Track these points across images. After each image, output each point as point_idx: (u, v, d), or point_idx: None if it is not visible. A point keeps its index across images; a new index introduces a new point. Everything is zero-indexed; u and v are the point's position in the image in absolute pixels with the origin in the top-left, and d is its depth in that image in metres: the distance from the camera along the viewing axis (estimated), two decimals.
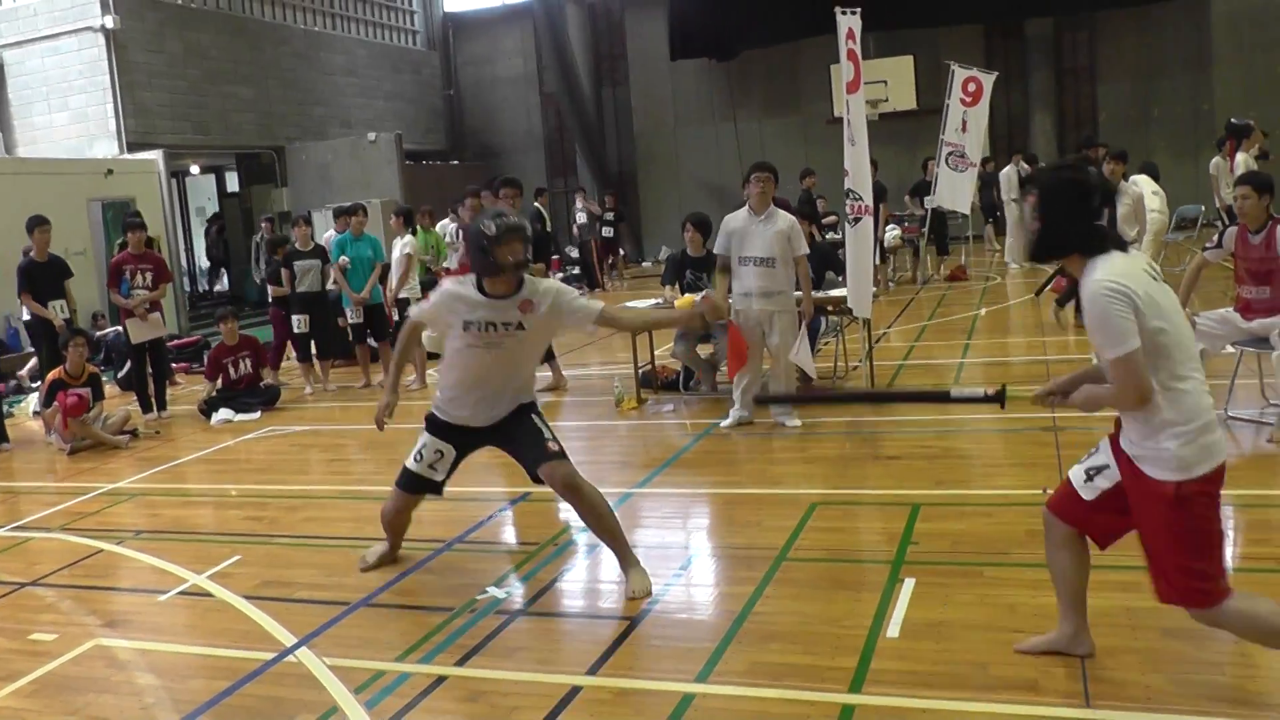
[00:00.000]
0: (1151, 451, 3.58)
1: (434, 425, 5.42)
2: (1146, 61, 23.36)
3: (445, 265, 12.58)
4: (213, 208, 26.24)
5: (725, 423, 8.49)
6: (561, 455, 5.24)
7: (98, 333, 15.00)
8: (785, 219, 8.27)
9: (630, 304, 10.07)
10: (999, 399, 4.23)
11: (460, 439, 5.39)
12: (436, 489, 5.48)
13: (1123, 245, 3.65)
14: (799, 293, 8.40)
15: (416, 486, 5.47)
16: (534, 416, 5.34)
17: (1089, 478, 3.90)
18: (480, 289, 5.11)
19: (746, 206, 8.30)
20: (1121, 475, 3.76)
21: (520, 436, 5.32)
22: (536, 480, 5.31)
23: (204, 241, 25.06)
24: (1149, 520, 3.68)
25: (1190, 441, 3.51)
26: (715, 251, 8.54)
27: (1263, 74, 22.11)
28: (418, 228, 12.93)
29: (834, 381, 9.86)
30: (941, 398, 5.59)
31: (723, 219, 8.40)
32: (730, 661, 4.31)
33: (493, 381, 5.24)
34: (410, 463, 5.43)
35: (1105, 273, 3.53)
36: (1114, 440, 3.84)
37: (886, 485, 6.59)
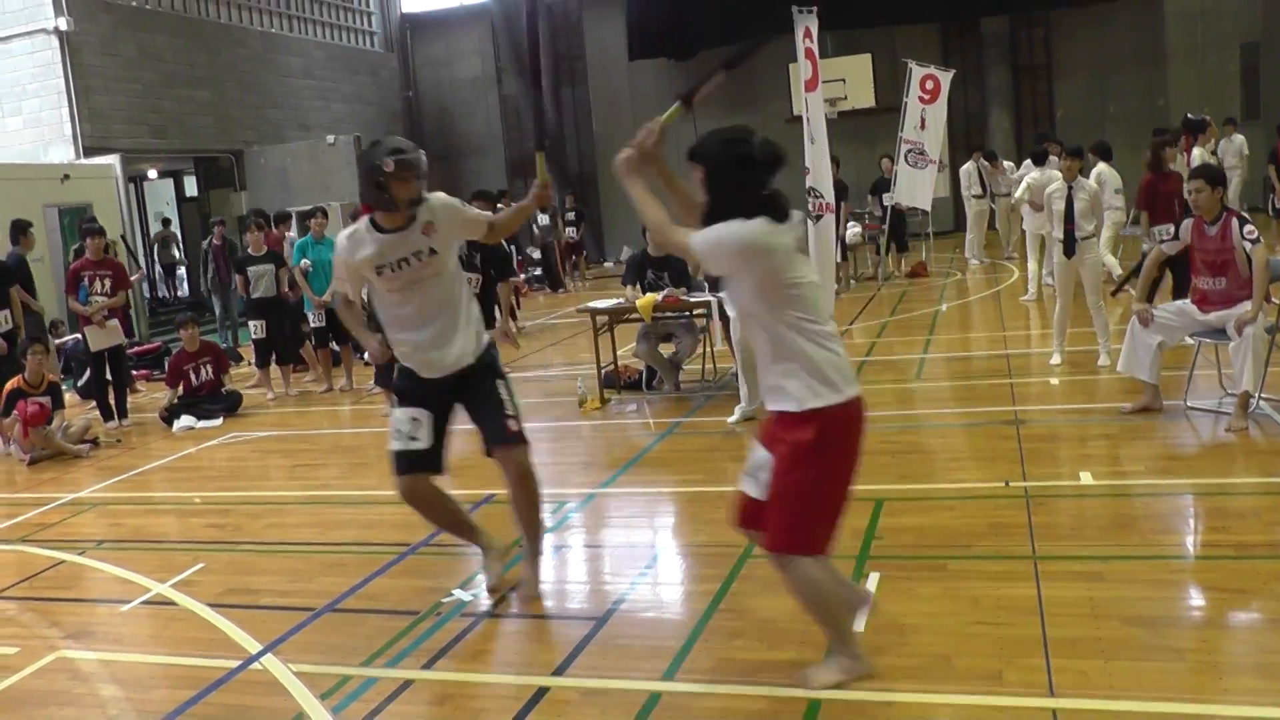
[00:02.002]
0: (775, 386, 3.79)
1: (400, 395, 5.12)
2: (1102, 58, 23.60)
3: None
4: (171, 212, 25.99)
5: (732, 419, 8.45)
6: (521, 439, 5.03)
7: (56, 340, 14.82)
8: None
9: (592, 304, 10.07)
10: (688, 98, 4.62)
11: (428, 397, 5.02)
12: (430, 461, 5.04)
13: (784, 215, 3.77)
14: None
15: (408, 466, 5.03)
16: (500, 383, 5.08)
17: (756, 479, 3.92)
18: (376, 227, 4.88)
19: None
20: (763, 441, 3.90)
21: (483, 404, 5.04)
22: (489, 449, 5.09)
23: (152, 247, 24.68)
24: (778, 461, 3.80)
25: (807, 382, 3.71)
26: None
27: (1216, 70, 22.42)
28: None
29: None
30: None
31: None
32: (697, 659, 4.32)
33: (433, 321, 4.93)
34: (392, 445, 5.06)
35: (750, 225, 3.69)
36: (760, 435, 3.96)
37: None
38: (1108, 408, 7.68)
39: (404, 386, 5.10)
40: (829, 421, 3.72)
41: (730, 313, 8.22)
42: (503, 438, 4.99)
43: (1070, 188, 9.16)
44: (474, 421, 5.12)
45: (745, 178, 3.79)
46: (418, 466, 5.04)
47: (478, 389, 5.04)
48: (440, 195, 4.99)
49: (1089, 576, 4.76)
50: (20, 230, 10.96)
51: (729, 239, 3.70)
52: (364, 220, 4.97)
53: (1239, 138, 17.88)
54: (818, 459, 3.72)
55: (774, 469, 3.81)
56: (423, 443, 5.00)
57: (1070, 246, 9.12)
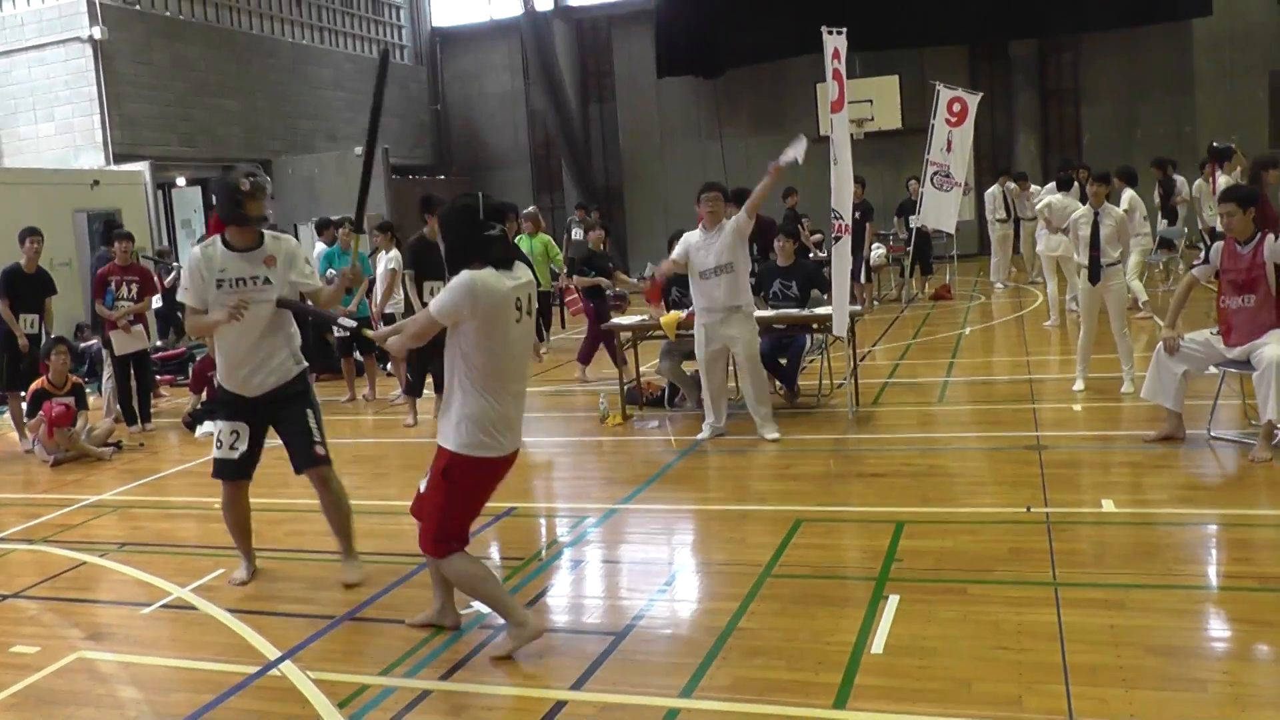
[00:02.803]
0: (443, 424, 4.61)
1: (223, 408, 5.74)
2: (1130, 84, 23.57)
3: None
4: (199, 220, 26.16)
5: (701, 435, 8.60)
6: (327, 459, 5.78)
7: (82, 344, 14.94)
8: (729, 223, 8.41)
9: (616, 320, 10.09)
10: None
11: (246, 414, 5.67)
12: (245, 470, 5.74)
13: (508, 264, 4.54)
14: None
15: (230, 473, 5.73)
16: (309, 412, 5.74)
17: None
18: (227, 245, 5.51)
19: (700, 225, 8.52)
20: None
21: (294, 430, 5.73)
22: (298, 471, 5.83)
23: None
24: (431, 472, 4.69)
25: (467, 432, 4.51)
26: (673, 256, 8.69)
27: (1244, 97, 22.32)
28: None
29: (817, 400, 9.89)
30: None
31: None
32: (715, 677, 4.32)
33: (253, 344, 5.54)
34: (214, 451, 5.74)
35: (483, 277, 4.42)
36: None
37: (870, 502, 6.61)
38: (1131, 435, 7.65)
39: (226, 400, 5.73)
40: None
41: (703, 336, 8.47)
42: (312, 462, 5.74)
43: (1096, 214, 9.13)
44: (284, 443, 5.82)
45: (472, 230, 4.52)
46: (238, 474, 5.75)
47: (289, 416, 5.73)
48: (292, 240, 5.79)
49: (1110, 604, 4.73)
50: (20, 238, 10.50)
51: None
52: (217, 237, 5.61)
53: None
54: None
55: None
56: (240, 453, 5.68)
57: (1095, 273, 9.08)
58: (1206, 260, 7.43)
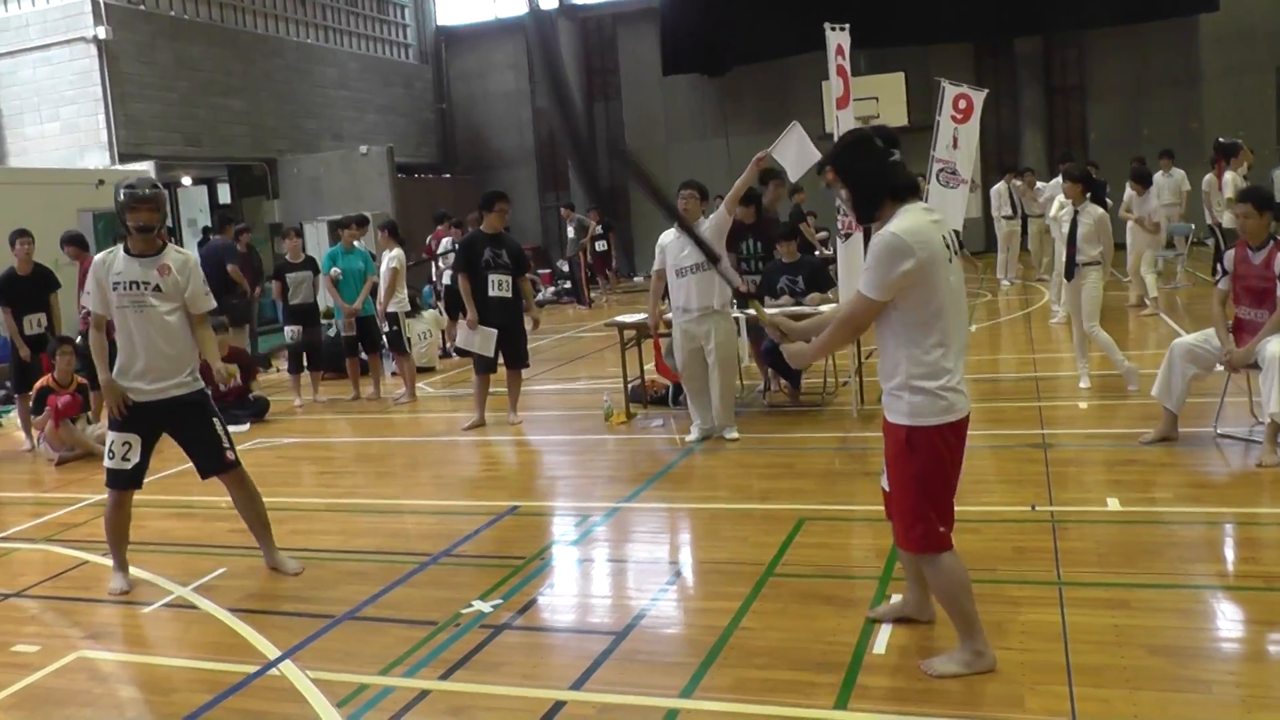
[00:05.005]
0: (893, 399, 4.06)
1: (113, 420, 5.88)
2: (1136, 80, 23.51)
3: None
4: (204, 219, 26.19)
5: (690, 437, 8.59)
6: (238, 463, 5.99)
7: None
8: (709, 220, 8.44)
9: (620, 318, 10.07)
10: (744, 298, 4.82)
11: (140, 423, 5.83)
12: (136, 479, 5.91)
13: (917, 192, 4.02)
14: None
15: (116, 481, 5.87)
16: (215, 422, 5.92)
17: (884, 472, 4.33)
18: (127, 250, 5.78)
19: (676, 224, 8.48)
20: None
21: (198, 440, 5.93)
22: (204, 476, 6.02)
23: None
24: (888, 460, 4.19)
25: (925, 394, 3.96)
26: (654, 269, 8.69)
27: (1251, 93, 22.25)
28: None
29: (822, 398, 9.86)
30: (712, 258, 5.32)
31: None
32: (716, 677, 4.29)
33: (151, 345, 5.72)
34: (106, 462, 5.89)
35: (900, 226, 3.88)
36: None
37: (875, 501, 6.50)
38: (1136, 433, 7.60)
39: (122, 413, 5.83)
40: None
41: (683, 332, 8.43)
42: (224, 468, 5.94)
43: (1076, 212, 9.12)
44: (188, 453, 6.01)
45: (875, 160, 4.03)
46: (129, 483, 5.91)
47: (189, 426, 5.90)
48: (194, 259, 5.99)
49: (1114, 604, 4.70)
50: (10, 242, 10.40)
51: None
52: (120, 245, 5.86)
53: None
54: None
55: None
56: (133, 463, 5.84)
57: (1070, 270, 9.09)
58: (1225, 271, 7.27)
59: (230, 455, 5.95)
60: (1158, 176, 15.17)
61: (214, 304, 6.04)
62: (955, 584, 4.12)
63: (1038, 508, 6.17)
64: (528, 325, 9.96)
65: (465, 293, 9.60)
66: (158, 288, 5.73)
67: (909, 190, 3.99)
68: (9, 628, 5.60)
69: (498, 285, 9.58)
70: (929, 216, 3.98)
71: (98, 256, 5.88)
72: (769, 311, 4.59)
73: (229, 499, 6.11)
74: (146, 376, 5.74)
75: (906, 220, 3.89)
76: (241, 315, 13.83)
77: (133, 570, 6.19)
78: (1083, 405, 8.79)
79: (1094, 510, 6.14)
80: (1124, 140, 22.64)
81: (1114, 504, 6.15)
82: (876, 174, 3.98)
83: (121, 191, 5.76)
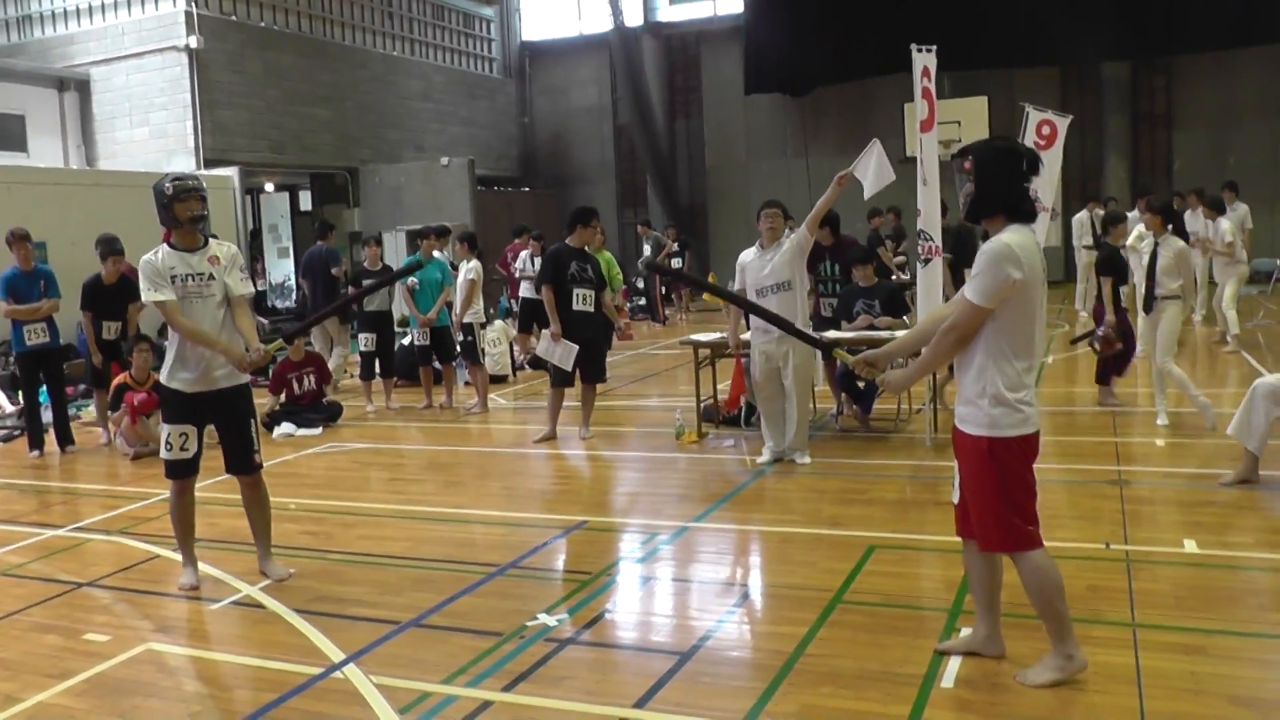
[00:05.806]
0: (971, 409, 4.18)
1: (167, 414, 6.02)
2: (1224, 109, 23.00)
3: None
4: (285, 225, 26.59)
5: (761, 459, 8.54)
6: (260, 466, 6.16)
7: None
8: (790, 240, 8.41)
9: (694, 336, 10.04)
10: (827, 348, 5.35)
11: (192, 413, 5.97)
12: (195, 468, 6.07)
13: (1033, 217, 4.20)
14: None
15: (177, 472, 6.02)
16: (252, 423, 6.13)
17: (955, 487, 4.42)
18: (172, 247, 5.89)
19: (758, 243, 8.51)
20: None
21: (236, 437, 6.07)
22: (229, 471, 6.19)
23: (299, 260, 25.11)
24: (965, 472, 4.29)
25: (1005, 406, 4.11)
26: (734, 289, 8.67)
27: None
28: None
29: (895, 424, 9.75)
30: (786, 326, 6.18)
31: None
32: (781, 702, 4.24)
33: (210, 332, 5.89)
34: (164, 454, 6.03)
35: (1011, 239, 4.05)
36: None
37: (946, 531, 6.43)
38: (1214, 473, 7.40)
39: (172, 400, 5.99)
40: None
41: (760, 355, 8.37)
42: (248, 469, 6.12)
43: (1156, 244, 8.94)
44: (223, 445, 6.14)
45: (1012, 175, 4.16)
46: (189, 472, 6.07)
47: (232, 420, 6.07)
48: (233, 247, 6.18)
49: (1191, 649, 4.57)
50: (101, 256, 10.50)
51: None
52: (162, 245, 5.95)
53: None
54: None
55: None
56: (191, 453, 6.01)
57: (1149, 303, 8.91)
58: None
59: (257, 459, 6.13)
60: None
61: (254, 290, 6.07)
62: (1049, 582, 4.19)
63: (1112, 545, 6.03)
64: (614, 337, 10.00)
65: (549, 305, 9.62)
66: (211, 277, 5.89)
67: (1026, 215, 4.16)
68: (81, 615, 5.71)
69: (582, 299, 9.62)
70: (1034, 238, 4.15)
71: (145, 256, 5.93)
72: (846, 336, 4.63)
73: (296, 500, 6.18)
74: (204, 368, 5.88)
75: (1017, 236, 4.07)
76: (347, 314, 14.06)
77: (202, 567, 6.28)
78: (1160, 442, 8.59)
79: (1170, 551, 5.98)
80: (1209, 170, 22.15)
81: (1191, 545, 5.99)
82: (1007, 186, 4.14)
83: (169, 185, 5.83)
